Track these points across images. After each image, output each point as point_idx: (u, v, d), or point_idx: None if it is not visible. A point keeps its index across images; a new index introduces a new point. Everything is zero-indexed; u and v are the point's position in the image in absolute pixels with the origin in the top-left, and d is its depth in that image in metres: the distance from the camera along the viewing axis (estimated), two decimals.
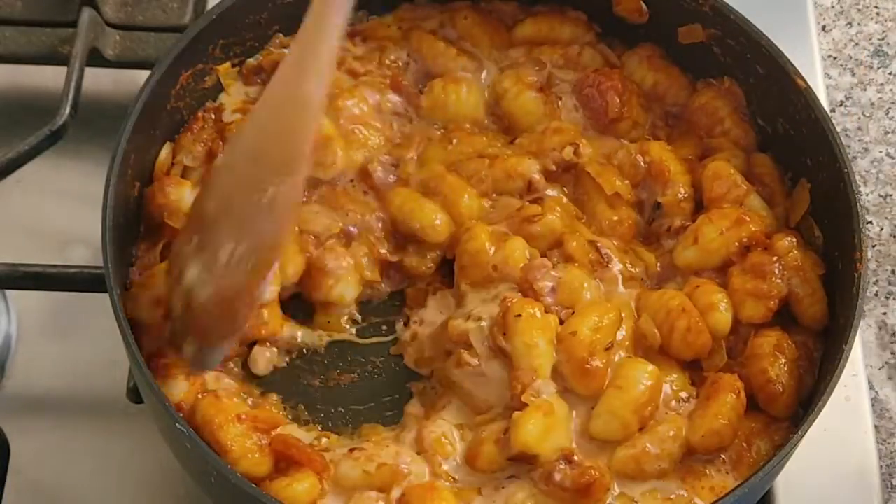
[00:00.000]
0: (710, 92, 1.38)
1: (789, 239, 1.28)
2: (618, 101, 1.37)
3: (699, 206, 1.33)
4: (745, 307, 1.26)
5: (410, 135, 1.37)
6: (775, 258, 1.26)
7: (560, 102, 1.39)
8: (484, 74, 1.41)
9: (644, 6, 1.40)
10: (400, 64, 1.41)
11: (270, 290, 1.27)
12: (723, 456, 1.21)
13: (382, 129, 1.37)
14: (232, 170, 1.16)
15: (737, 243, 1.28)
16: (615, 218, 1.33)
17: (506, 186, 1.33)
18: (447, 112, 1.37)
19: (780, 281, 1.26)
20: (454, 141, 1.36)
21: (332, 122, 1.33)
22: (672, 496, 1.19)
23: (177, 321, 1.18)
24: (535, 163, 1.34)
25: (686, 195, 1.33)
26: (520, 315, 1.22)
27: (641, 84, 1.40)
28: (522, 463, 1.19)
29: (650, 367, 1.22)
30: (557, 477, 1.18)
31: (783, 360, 1.23)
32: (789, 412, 1.23)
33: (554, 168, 1.33)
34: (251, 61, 1.39)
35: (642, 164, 1.34)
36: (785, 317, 1.28)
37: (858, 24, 1.72)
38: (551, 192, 1.34)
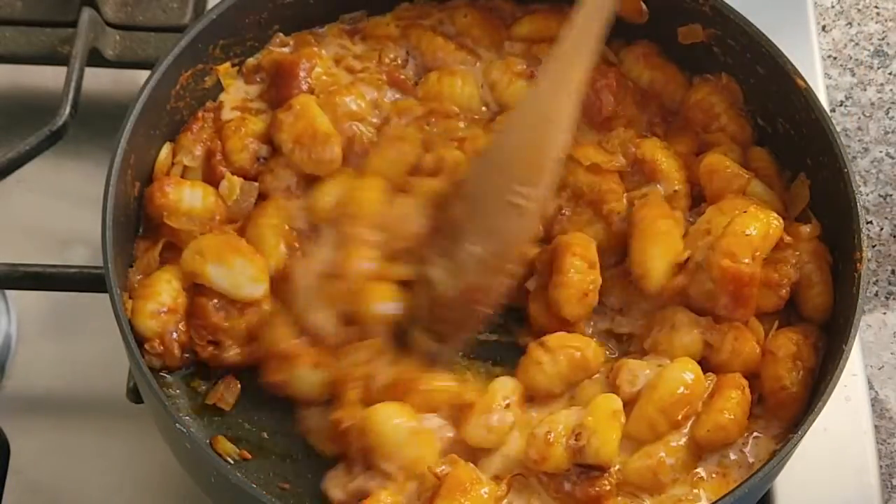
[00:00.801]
0: (707, 88, 1.38)
1: (812, 224, 1.28)
2: (612, 99, 1.37)
3: (697, 201, 1.33)
4: (760, 297, 1.26)
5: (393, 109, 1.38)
6: (790, 246, 1.27)
7: None
8: (478, 65, 1.41)
9: (644, 6, 1.40)
10: (399, 62, 1.41)
11: (262, 290, 1.27)
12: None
13: (380, 127, 1.37)
14: (479, 177, 1.23)
15: None
16: (604, 187, 1.32)
17: None
18: (441, 102, 1.37)
19: (790, 268, 1.26)
20: (432, 120, 1.36)
21: (329, 120, 1.33)
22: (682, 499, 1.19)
23: (416, 313, 1.23)
24: None
25: (679, 190, 1.33)
26: None
27: (638, 81, 1.40)
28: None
29: (692, 364, 1.21)
30: (567, 486, 1.18)
31: (800, 371, 1.23)
32: (796, 418, 1.22)
33: None
34: (251, 60, 1.39)
35: (633, 148, 1.34)
36: (789, 313, 1.28)
37: (858, 24, 1.72)
38: None
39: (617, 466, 1.18)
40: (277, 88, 1.36)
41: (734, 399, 1.20)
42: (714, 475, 1.19)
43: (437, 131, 1.35)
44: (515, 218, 1.20)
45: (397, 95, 1.39)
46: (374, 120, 1.37)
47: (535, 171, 1.20)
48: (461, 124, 1.36)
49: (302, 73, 1.36)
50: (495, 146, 1.25)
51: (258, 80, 1.39)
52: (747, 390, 1.21)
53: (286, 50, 1.40)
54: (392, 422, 1.19)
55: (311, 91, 1.35)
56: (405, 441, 1.18)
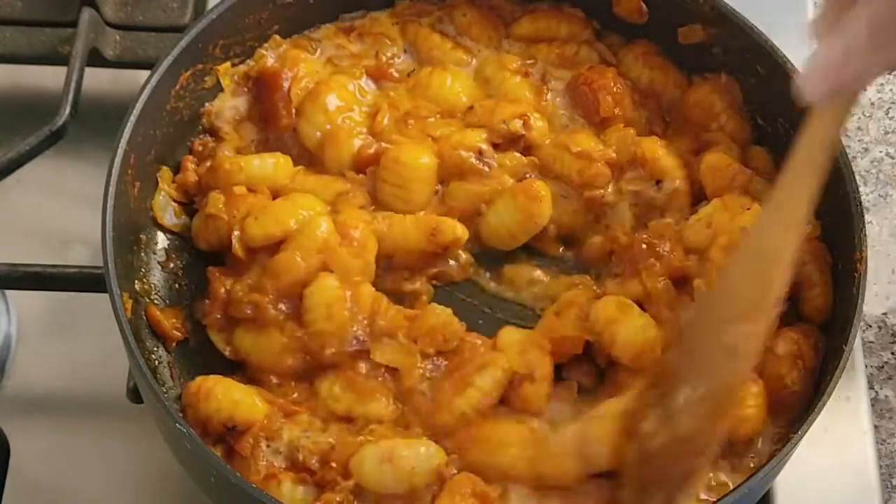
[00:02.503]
0: (706, 87, 1.38)
1: (813, 224, 1.28)
2: (610, 100, 1.37)
3: (697, 199, 1.33)
4: None
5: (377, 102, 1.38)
6: None
7: (549, 95, 1.39)
8: (473, 62, 1.41)
9: (644, 6, 1.40)
10: (396, 60, 1.41)
11: None
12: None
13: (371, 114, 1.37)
14: (697, 319, 1.15)
15: None
16: (593, 171, 1.32)
17: (458, 164, 1.33)
18: (427, 97, 1.37)
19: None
20: (410, 122, 1.36)
21: (323, 120, 1.34)
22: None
23: (630, 474, 1.15)
24: (482, 133, 1.33)
25: (680, 187, 1.33)
26: None
27: (637, 81, 1.40)
28: None
29: None
30: None
31: (801, 370, 1.23)
32: (797, 418, 1.22)
33: (499, 141, 1.33)
34: (241, 68, 1.39)
35: (632, 146, 1.34)
36: (787, 313, 1.28)
37: None
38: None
39: None
40: (261, 102, 1.36)
41: (755, 392, 1.20)
42: (732, 470, 1.21)
43: (414, 131, 1.35)
44: (730, 359, 1.11)
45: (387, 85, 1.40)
46: (365, 109, 1.36)
47: (753, 310, 1.11)
48: (432, 119, 1.36)
49: (285, 84, 1.35)
50: (718, 284, 1.17)
51: (245, 90, 1.39)
52: (761, 382, 1.21)
53: (274, 57, 1.40)
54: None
55: (293, 99, 1.35)
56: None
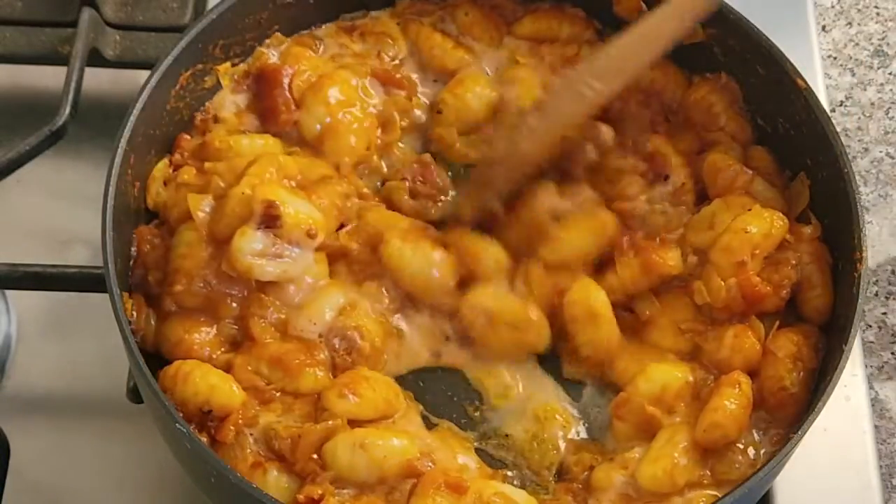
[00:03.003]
0: (706, 87, 1.38)
1: (813, 225, 1.28)
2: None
3: (700, 198, 1.33)
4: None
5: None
6: (790, 247, 1.27)
7: None
8: (483, 62, 1.42)
9: (644, 6, 1.40)
10: (398, 60, 1.41)
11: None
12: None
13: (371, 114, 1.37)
14: (573, 70, 1.37)
15: None
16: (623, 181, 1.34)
17: None
18: (462, 123, 1.38)
19: (790, 269, 1.26)
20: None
21: (325, 112, 1.34)
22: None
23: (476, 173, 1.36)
24: None
25: (686, 184, 1.33)
26: None
27: (638, 81, 1.39)
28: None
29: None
30: None
31: (801, 371, 1.23)
32: (796, 419, 1.22)
33: None
34: (242, 66, 1.39)
35: (646, 144, 1.35)
36: (787, 313, 1.28)
37: (858, 24, 1.72)
38: None
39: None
40: (261, 98, 1.36)
41: (729, 395, 1.20)
42: (720, 476, 1.20)
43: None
44: (576, 104, 1.31)
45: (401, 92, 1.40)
46: (371, 110, 1.36)
47: (615, 74, 1.31)
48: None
49: (285, 80, 1.35)
50: (602, 49, 1.35)
51: (245, 87, 1.38)
52: (746, 385, 1.21)
53: (276, 53, 1.40)
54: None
55: (295, 91, 1.35)
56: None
